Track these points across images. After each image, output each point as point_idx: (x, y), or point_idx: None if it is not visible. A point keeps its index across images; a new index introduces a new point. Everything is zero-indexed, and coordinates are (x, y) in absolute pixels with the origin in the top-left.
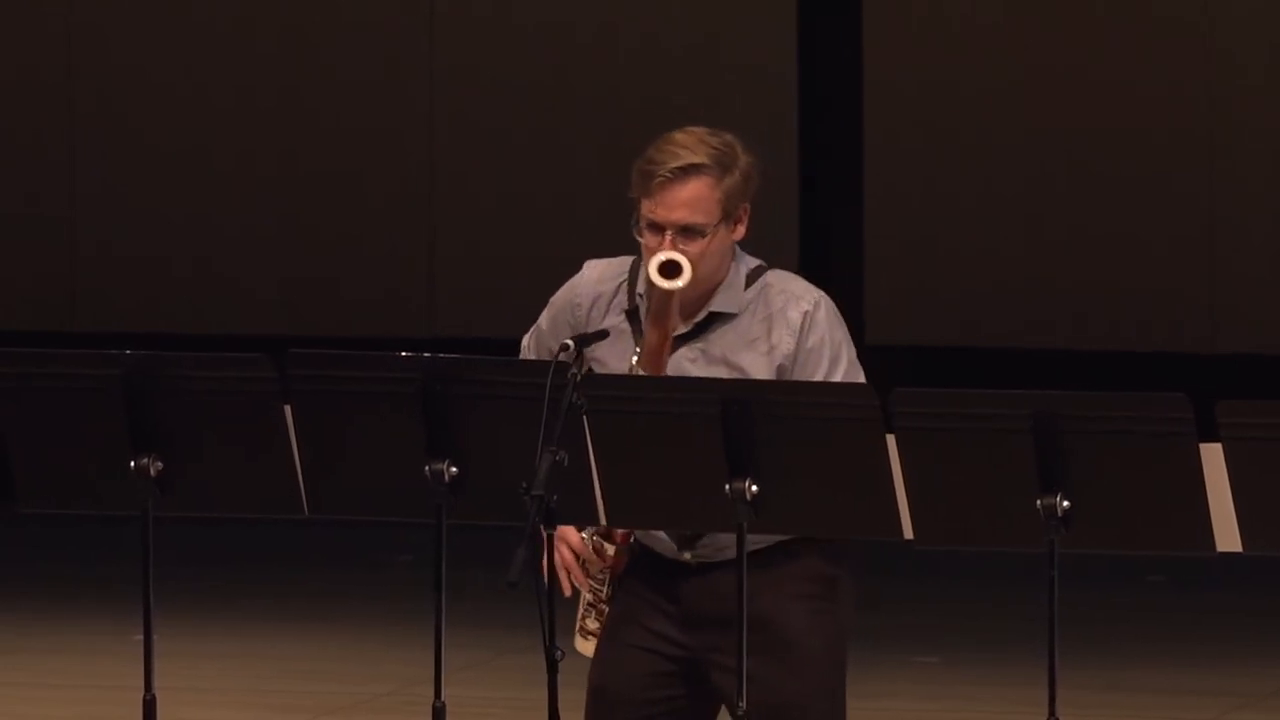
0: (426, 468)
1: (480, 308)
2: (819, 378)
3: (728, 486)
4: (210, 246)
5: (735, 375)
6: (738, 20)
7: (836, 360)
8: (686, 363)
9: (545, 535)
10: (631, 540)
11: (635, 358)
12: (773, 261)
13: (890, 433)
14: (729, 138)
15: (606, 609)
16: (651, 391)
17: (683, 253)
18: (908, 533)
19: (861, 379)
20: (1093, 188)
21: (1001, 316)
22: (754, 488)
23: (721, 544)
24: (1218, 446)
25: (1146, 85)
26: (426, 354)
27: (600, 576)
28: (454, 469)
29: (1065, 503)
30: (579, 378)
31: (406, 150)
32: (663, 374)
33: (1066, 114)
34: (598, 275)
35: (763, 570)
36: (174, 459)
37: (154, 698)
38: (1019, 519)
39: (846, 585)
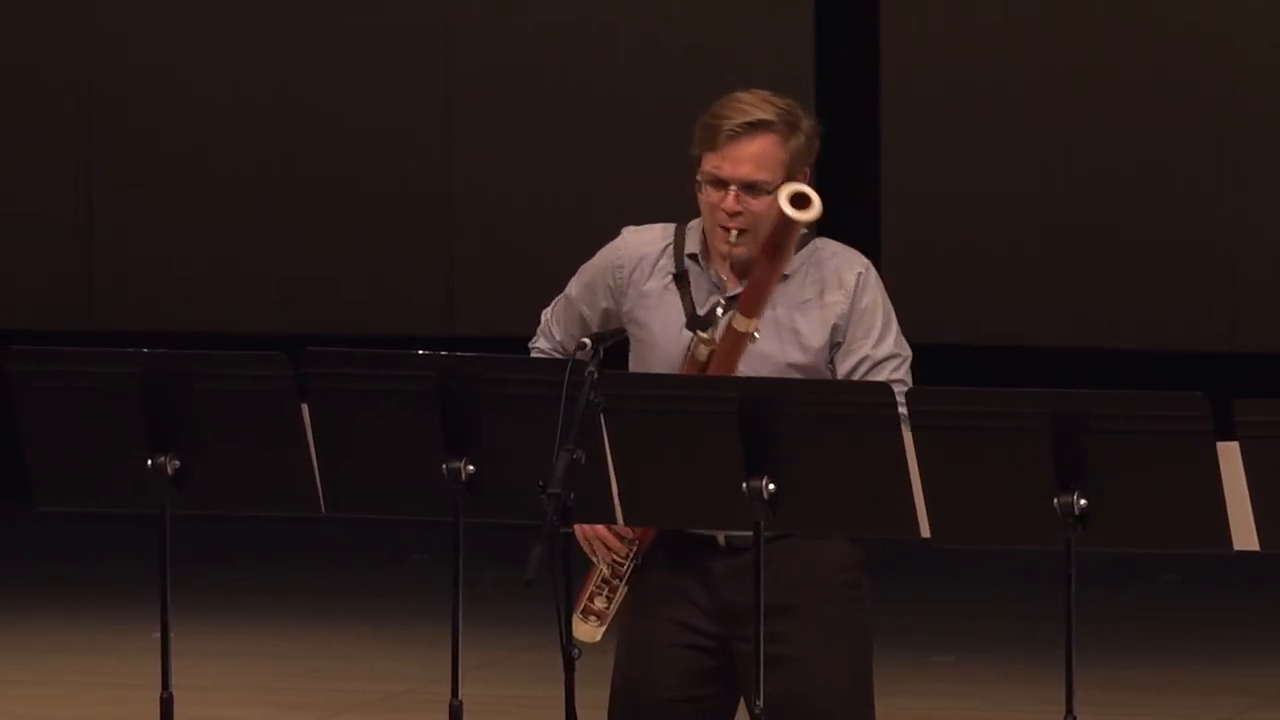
0: (443, 466)
1: (498, 306)
2: (873, 339)
3: (745, 485)
4: (227, 245)
5: (788, 337)
6: (755, 22)
7: (889, 324)
8: None
9: (562, 534)
10: None
11: (720, 305)
12: None
13: (907, 431)
14: (790, 100)
15: (620, 589)
16: (669, 390)
17: (744, 207)
18: (925, 531)
19: (908, 348)
20: (1109, 188)
21: (1017, 316)
22: (771, 486)
23: None
24: (1235, 445)
25: (1162, 85)
26: (444, 352)
27: (628, 548)
28: (471, 467)
29: (1082, 501)
30: (596, 376)
31: (424, 150)
32: (759, 316)
33: (1082, 114)
34: (641, 239)
35: (794, 556)
36: (191, 457)
37: (171, 696)
38: (1036, 517)
39: (865, 570)
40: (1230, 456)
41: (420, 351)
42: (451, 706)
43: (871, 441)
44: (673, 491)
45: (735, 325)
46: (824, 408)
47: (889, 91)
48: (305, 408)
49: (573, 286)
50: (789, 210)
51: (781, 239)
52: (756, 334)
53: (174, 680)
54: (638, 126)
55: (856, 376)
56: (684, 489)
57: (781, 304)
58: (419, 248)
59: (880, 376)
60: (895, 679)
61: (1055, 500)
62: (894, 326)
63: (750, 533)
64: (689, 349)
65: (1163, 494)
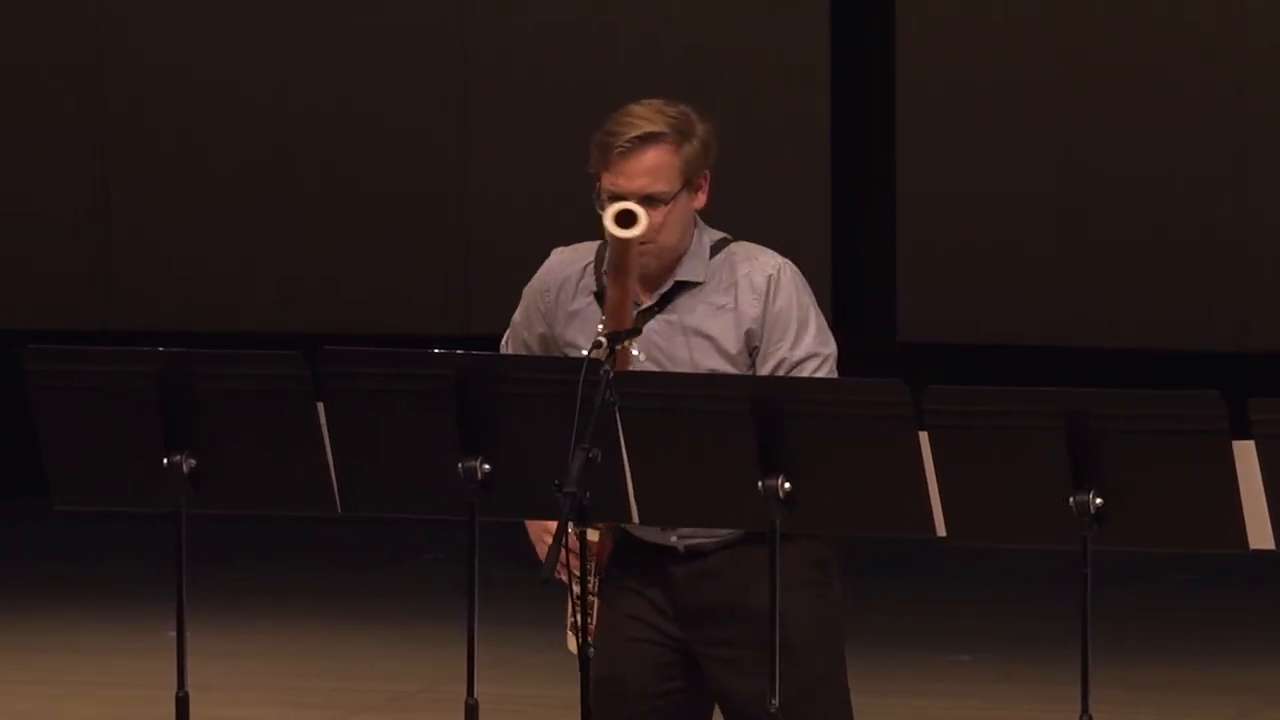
0: (459, 465)
1: (513, 306)
2: (789, 340)
3: (760, 484)
4: (243, 245)
5: (704, 344)
6: (771, 22)
7: (805, 324)
8: (654, 335)
9: (579, 533)
10: (615, 526)
11: (600, 325)
12: (802, 261)
13: (922, 430)
14: (684, 107)
15: (594, 602)
16: (684, 389)
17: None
18: (940, 530)
19: (831, 344)
20: (1125, 186)
21: (1033, 315)
22: (786, 485)
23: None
24: (1250, 444)
25: (1178, 84)
26: (459, 351)
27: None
28: (487, 466)
29: (1098, 500)
30: (612, 375)
31: (439, 149)
32: (626, 327)
33: (1099, 113)
34: (562, 260)
35: (755, 558)
36: (207, 457)
37: (187, 695)
38: (1052, 516)
39: (836, 566)
40: (1246, 456)
41: (436, 351)
42: (467, 706)
43: (887, 441)
44: (688, 490)
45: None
46: (839, 407)
47: (904, 90)
48: (321, 407)
49: (517, 313)
50: (615, 230)
51: (618, 259)
52: (635, 349)
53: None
54: None
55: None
56: (699, 488)
57: (696, 312)
58: (434, 247)
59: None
60: (909, 679)
61: (1071, 499)
62: (812, 325)
63: (709, 539)
64: None
65: (1178, 493)
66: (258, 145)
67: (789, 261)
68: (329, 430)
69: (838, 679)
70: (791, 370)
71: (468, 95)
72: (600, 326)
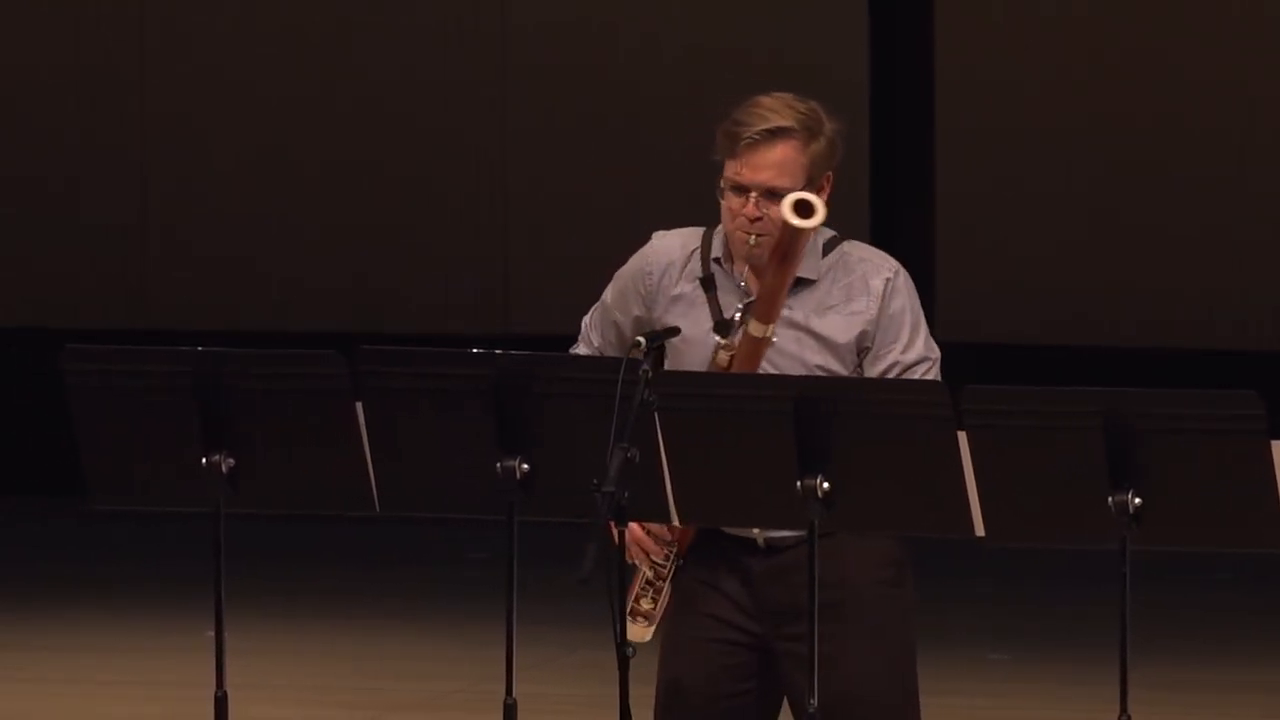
0: (498, 465)
1: (552, 305)
2: (902, 344)
3: (799, 483)
4: (281, 245)
5: (815, 341)
6: (809, 21)
7: (917, 328)
8: None
9: (617, 532)
10: None
11: (738, 311)
12: None
13: (962, 430)
14: (814, 104)
15: (665, 589)
16: (723, 388)
17: (765, 213)
18: (979, 530)
19: (937, 350)
20: (1164, 185)
21: (1072, 314)
22: (825, 485)
23: None
24: None
25: (1222, 82)
26: (498, 351)
27: (667, 550)
28: (525, 466)
29: (1137, 500)
30: (650, 374)
31: (478, 150)
32: (775, 321)
33: (1138, 111)
34: (669, 244)
35: (834, 555)
36: (245, 456)
37: (225, 695)
38: (1090, 516)
39: (910, 568)
40: None
41: (474, 350)
42: (506, 705)
43: (926, 440)
44: (727, 490)
45: (751, 331)
46: (878, 407)
47: (944, 89)
48: (359, 406)
49: (607, 293)
50: (792, 219)
51: (788, 247)
52: (775, 339)
53: (227, 679)
54: (691, 127)
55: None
56: (738, 487)
57: (806, 308)
58: (473, 247)
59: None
60: (951, 678)
61: (1110, 499)
62: (923, 330)
63: (790, 534)
64: (713, 354)
65: (1218, 492)
66: (295, 146)
67: (900, 264)
68: (367, 430)
69: (911, 676)
70: (904, 373)
71: (506, 94)
72: (736, 311)
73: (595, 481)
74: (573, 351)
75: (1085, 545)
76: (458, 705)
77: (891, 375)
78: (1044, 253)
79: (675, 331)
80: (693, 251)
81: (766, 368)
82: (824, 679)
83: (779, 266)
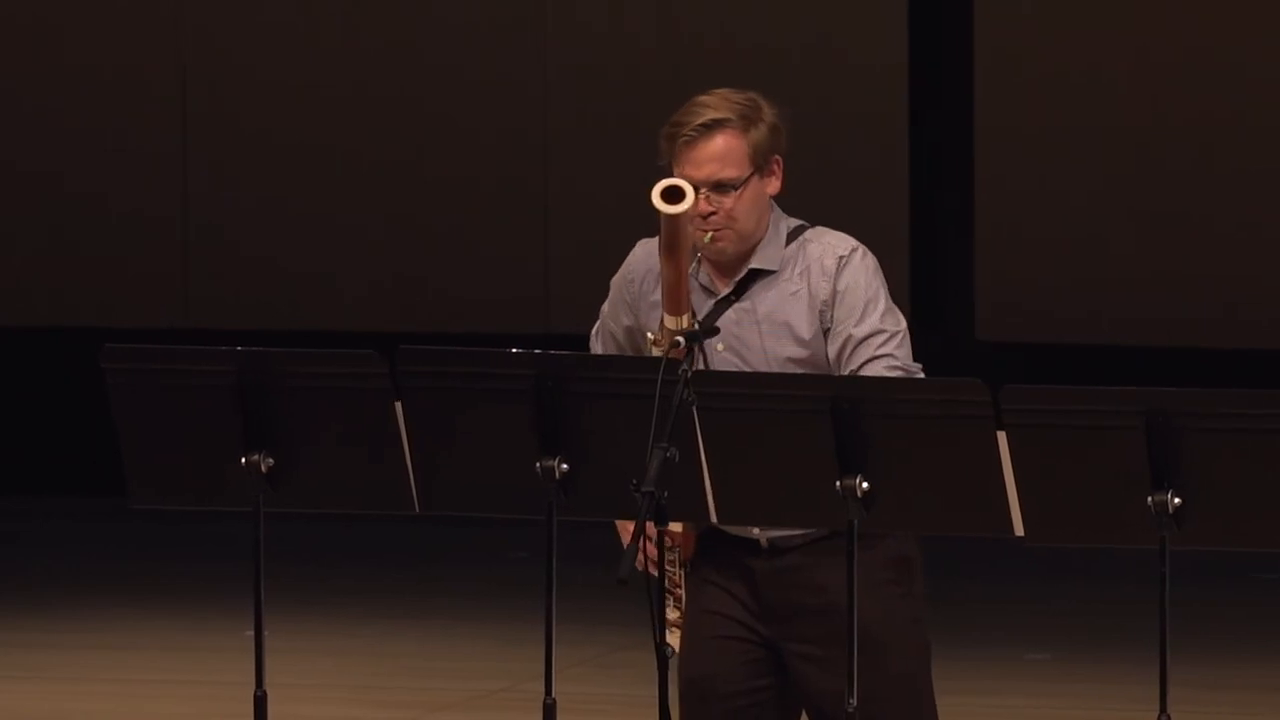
0: (537, 464)
1: (593, 304)
2: (854, 318)
3: (838, 483)
4: (322, 244)
5: (780, 332)
6: (850, 16)
7: (873, 303)
8: (731, 324)
9: (657, 532)
10: None
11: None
12: (881, 259)
13: (1001, 430)
14: (753, 94)
15: (682, 595)
16: (762, 388)
17: (717, 207)
18: (1018, 530)
19: (901, 322)
20: (1207, 182)
21: (1113, 313)
22: (864, 485)
23: None
24: None
25: (1266, 79)
26: (538, 350)
27: (670, 557)
28: (565, 466)
29: (1176, 500)
30: (690, 374)
31: (520, 148)
32: (686, 312)
33: (1180, 106)
34: (646, 251)
35: (836, 556)
36: (285, 455)
37: (265, 694)
38: (1130, 516)
39: (919, 564)
40: None
41: (515, 350)
42: (545, 705)
43: (965, 440)
44: (766, 490)
45: (666, 325)
46: (917, 406)
47: (983, 86)
48: (399, 406)
49: (605, 304)
50: (661, 205)
51: (669, 236)
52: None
53: (268, 678)
54: None
55: (843, 359)
56: (777, 487)
57: (769, 300)
58: (514, 246)
59: (863, 355)
60: (988, 678)
61: (1149, 499)
62: (880, 305)
63: (794, 534)
64: (647, 351)
65: (1259, 493)
66: (336, 145)
67: (863, 246)
68: (407, 429)
69: (921, 679)
70: (855, 348)
71: (548, 94)
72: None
73: (634, 481)
74: None
75: (1125, 545)
76: (498, 705)
77: (846, 352)
78: (1083, 251)
79: (715, 331)
80: None
81: (743, 366)
82: (825, 682)
83: (668, 255)
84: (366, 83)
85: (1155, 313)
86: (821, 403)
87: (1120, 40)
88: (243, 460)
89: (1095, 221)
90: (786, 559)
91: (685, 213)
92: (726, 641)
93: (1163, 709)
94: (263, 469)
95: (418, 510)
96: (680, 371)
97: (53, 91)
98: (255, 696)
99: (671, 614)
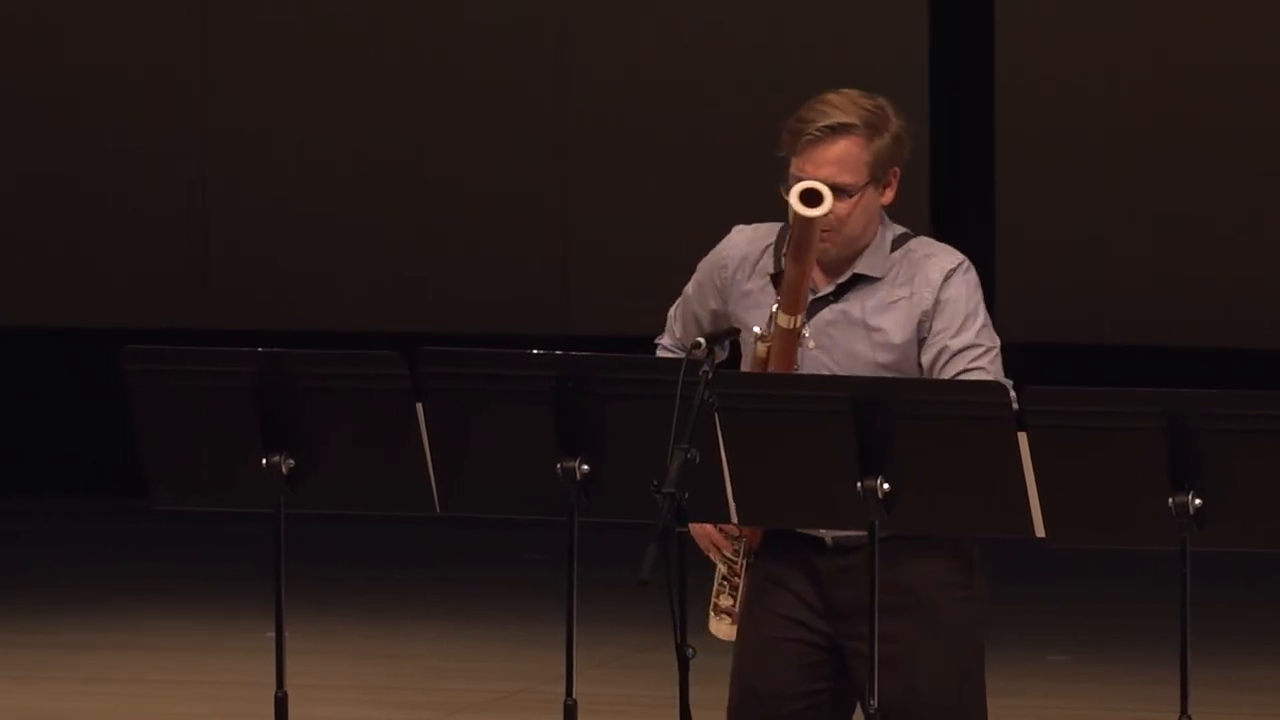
0: (558, 466)
1: (613, 305)
2: (952, 330)
3: (859, 485)
4: (343, 246)
5: (873, 338)
6: (869, 18)
7: (972, 316)
8: (827, 324)
9: (676, 533)
10: None
11: (775, 305)
12: None
13: (1022, 431)
14: (882, 100)
15: (740, 584)
16: (783, 389)
17: (830, 210)
18: (1039, 531)
19: (996, 340)
20: (1228, 181)
21: (1133, 315)
22: (886, 486)
23: None
24: None
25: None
26: (558, 352)
27: (735, 545)
28: (586, 467)
29: (1197, 501)
30: (710, 375)
31: (539, 149)
32: (801, 312)
33: (1201, 106)
34: (745, 238)
35: (902, 556)
36: (305, 457)
37: (286, 695)
38: (1152, 517)
39: (980, 568)
40: None
41: (535, 351)
42: (566, 706)
43: (986, 441)
44: (786, 491)
45: (779, 322)
46: (939, 407)
47: (1003, 89)
48: (420, 407)
49: (690, 285)
50: (799, 208)
51: (800, 237)
52: (806, 332)
53: (288, 679)
54: (752, 125)
55: (936, 369)
56: (798, 488)
57: (868, 305)
58: (533, 247)
59: (956, 368)
60: (1011, 678)
61: (1171, 500)
62: (979, 321)
63: (858, 533)
64: (753, 348)
65: (1278, 493)
66: (356, 147)
67: (968, 260)
68: (428, 430)
69: (977, 679)
70: (951, 359)
71: (567, 95)
72: (774, 307)
73: (655, 482)
74: (657, 341)
75: (1146, 546)
76: (518, 706)
77: (940, 362)
78: (1104, 252)
79: (735, 332)
80: (766, 247)
81: (830, 365)
82: (886, 680)
83: (795, 256)
84: (385, 84)
85: (1175, 315)
86: (842, 404)
87: (1140, 43)
88: (263, 461)
89: (1114, 225)
90: (852, 557)
91: (821, 216)
92: (785, 643)
93: (1184, 710)
94: (283, 470)
95: (439, 511)
96: (701, 372)
97: (73, 94)
98: (276, 698)
99: (725, 601)
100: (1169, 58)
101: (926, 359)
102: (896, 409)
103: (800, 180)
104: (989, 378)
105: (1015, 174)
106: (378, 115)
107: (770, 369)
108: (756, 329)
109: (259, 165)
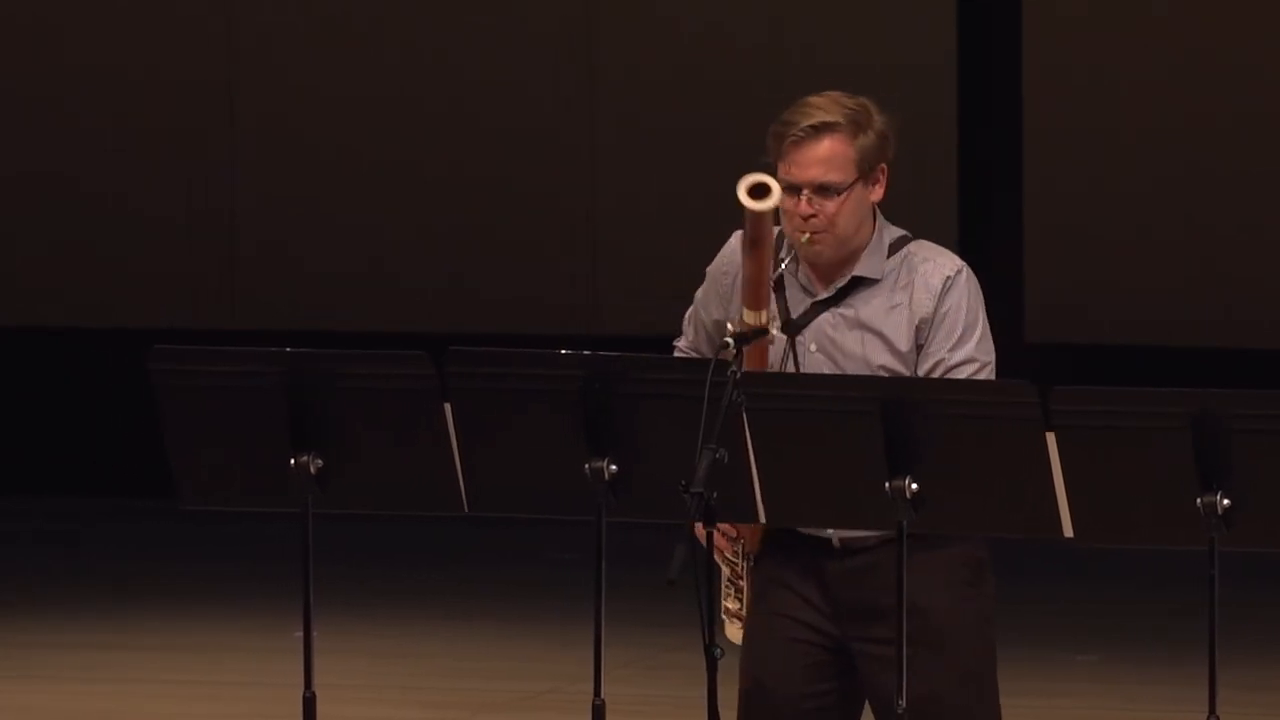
0: (586, 466)
1: (641, 306)
2: (950, 342)
3: (887, 485)
4: (370, 246)
5: (874, 342)
6: (897, 21)
7: (971, 328)
8: (828, 328)
9: (705, 534)
10: None
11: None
12: None
13: (1050, 431)
14: (864, 100)
15: (745, 588)
16: (811, 389)
17: (818, 210)
18: (1067, 531)
19: (992, 353)
20: (1259, 181)
21: (1162, 315)
22: (914, 486)
23: None
24: None
25: None
26: (586, 352)
27: (734, 546)
28: (614, 467)
29: (1225, 501)
30: (739, 375)
31: (567, 150)
32: (765, 308)
33: (1231, 105)
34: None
35: (913, 557)
36: (334, 456)
37: (314, 695)
38: (1179, 517)
39: (989, 567)
40: None
41: (563, 351)
42: (594, 706)
43: (1014, 441)
44: (814, 491)
45: (745, 319)
46: (966, 408)
47: (1031, 88)
48: (448, 407)
49: (699, 291)
50: (747, 202)
51: (753, 232)
52: (773, 329)
53: (316, 679)
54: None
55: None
56: (826, 488)
57: (869, 307)
58: (562, 248)
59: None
60: (1040, 679)
61: (1198, 500)
62: (977, 333)
63: (867, 534)
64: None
65: None
66: (384, 148)
67: (968, 266)
68: (456, 430)
69: (988, 679)
70: (947, 372)
71: (595, 97)
72: (780, 317)
73: (683, 483)
74: (675, 344)
75: (1174, 546)
76: (547, 706)
77: (936, 374)
78: (1133, 253)
79: (764, 332)
80: None
81: (830, 367)
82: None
83: (751, 252)
84: (414, 85)
85: (1204, 315)
86: (871, 404)
87: (1169, 45)
88: (291, 461)
89: (1144, 224)
90: (860, 559)
91: (770, 210)
92: (792, 644)
93: (1211, 710)
94: (311, 470)
95: (467, 511)
96: (729, 373)
97: (101, 95)
98: (304, 698)
99: (732, 604)
100: (1200, 56)
101: (923, 369)
102: (925, 409)
103: (788, 183)
104: None
105: (1045, 174)
106: (409, 118)
107: (745, 364)
108: (729, 324)
109: (292, 167)
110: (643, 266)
